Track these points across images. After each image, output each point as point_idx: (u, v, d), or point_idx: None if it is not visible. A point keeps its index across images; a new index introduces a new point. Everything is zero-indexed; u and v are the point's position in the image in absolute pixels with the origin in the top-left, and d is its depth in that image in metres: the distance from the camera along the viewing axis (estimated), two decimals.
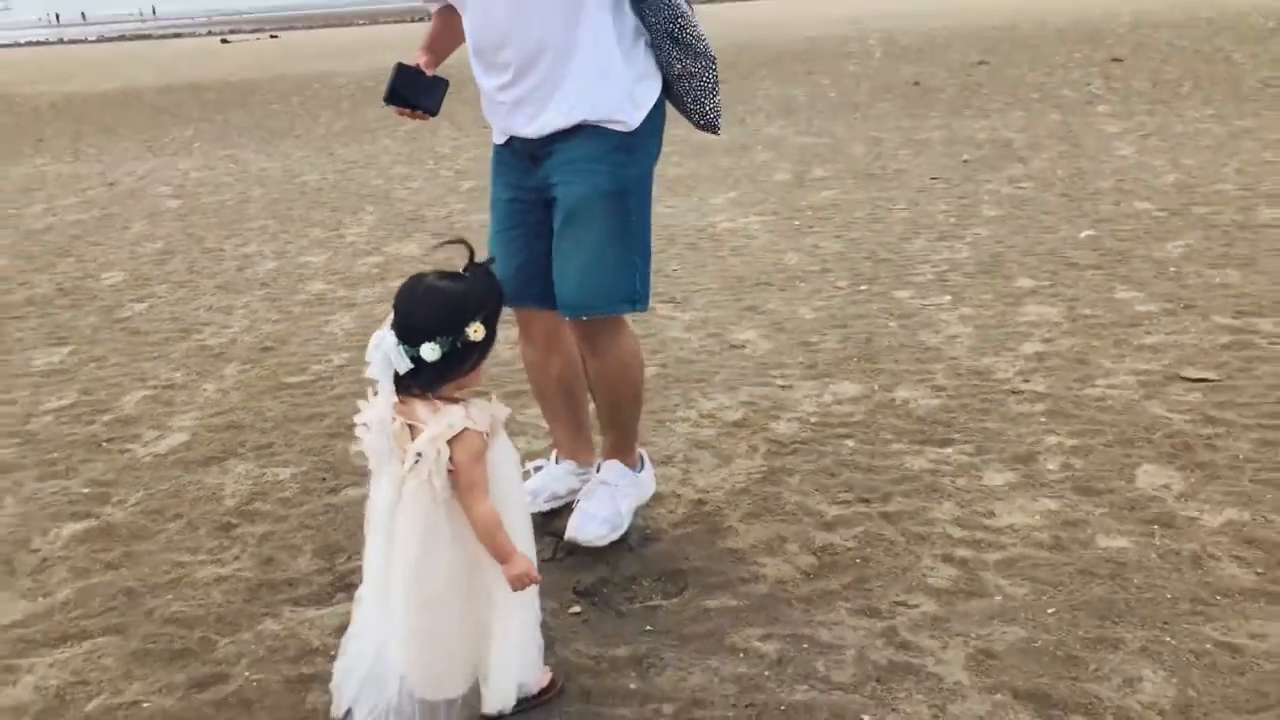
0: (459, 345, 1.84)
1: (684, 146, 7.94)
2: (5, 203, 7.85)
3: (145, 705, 2.12)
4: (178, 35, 46.16)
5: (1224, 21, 15.21)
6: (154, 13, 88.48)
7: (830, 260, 4.94)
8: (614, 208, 2.37)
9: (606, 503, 2.58)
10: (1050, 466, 2.84)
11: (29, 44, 48.29)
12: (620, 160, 2.36)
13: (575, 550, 2.55)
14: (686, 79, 2.40)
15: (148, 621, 2.41)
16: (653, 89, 2.39)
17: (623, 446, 2.66)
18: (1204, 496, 2.64)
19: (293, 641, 2.29)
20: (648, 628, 2.27)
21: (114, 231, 6.63)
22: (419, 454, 1.83)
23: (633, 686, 2.08)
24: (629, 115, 2.35)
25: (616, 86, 2.33)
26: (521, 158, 2.44)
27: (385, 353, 1.84)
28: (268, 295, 5.00)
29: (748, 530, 2.62)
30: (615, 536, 2.55)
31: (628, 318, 2.54)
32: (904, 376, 3.51)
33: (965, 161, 7.05)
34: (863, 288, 4.49)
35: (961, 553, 2.46)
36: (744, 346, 3.90)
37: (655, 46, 2.38)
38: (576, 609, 2.35)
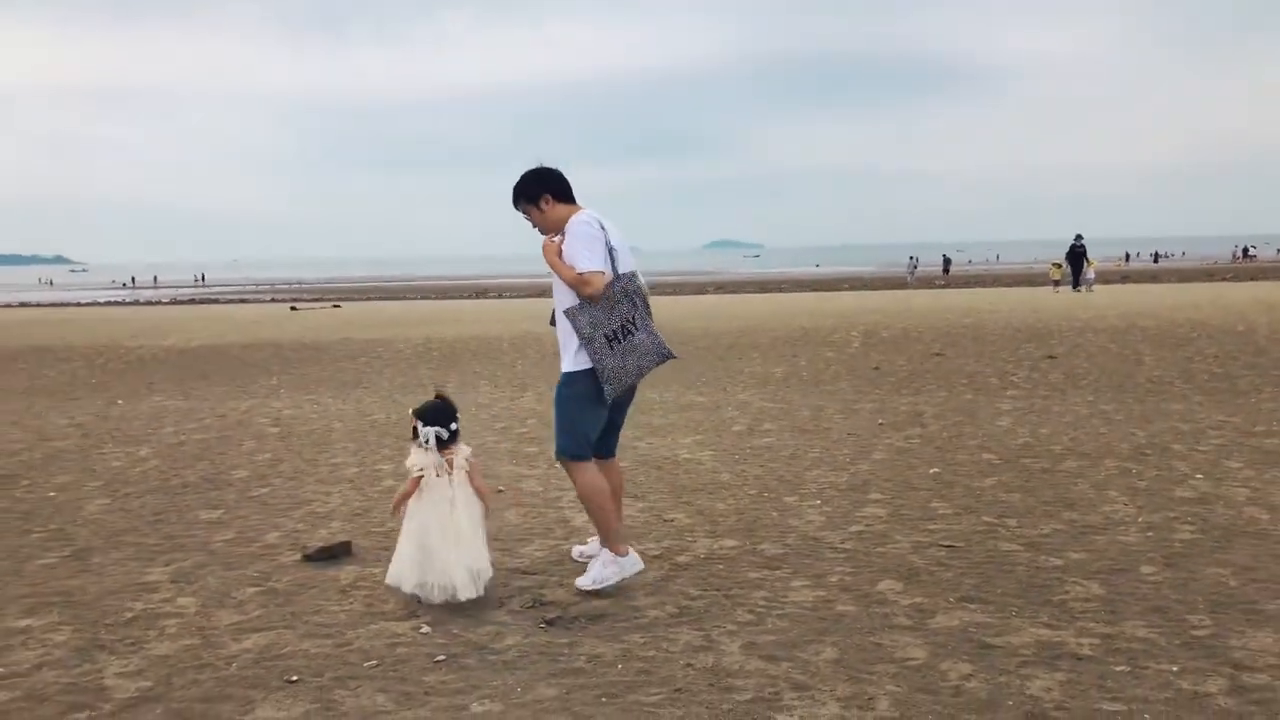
0: (457, 424, 4.20)
1: (672, 405, 10.24)
2: (143, 426, 10.15)
3: (314, 651, 4.07)
4: (243, 300, 50.81)
5: (1154, 329, 17.70)
6: (203, 279, 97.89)
7: (749, 479, 7.01)
8: (561, 407, 4.65)
9: (596, 569, 4.66)
10: (832, 580, 4.79)
11: (109, 303, 53.06)
12: (568, 384, 4.64)
13: (541, 604, 4.53)
14: (599, 371, 4.61)
15: (305, 625, 4.37)
16: (586, 362, 4.60)
17: (605, 541, 4.70)
18: (910, 593, 4.57)
19: (388, 629, 4.25)
20: (579, 635, 4.20)
21: (232, 446, 8.84)
22: (461, 465, 4.12)
23: (567, 651, 4.01)
24: (572, 369, 4.62)
25: (575, 357, 4.61)
26: None
27: (436, 432, 4.22)
28: (354, 486, 7.10)
29: (646, 599, 4.59)
30: (595, 589, 4.60)
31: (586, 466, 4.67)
32: (768, 537, 5.51)
33: (880, 424, 9.21)
34: (765, 494, 6.54)
35: (759, 608, 4.40)
36: (673, 521, 5.93)
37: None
38: (544, 626, 4.30)
